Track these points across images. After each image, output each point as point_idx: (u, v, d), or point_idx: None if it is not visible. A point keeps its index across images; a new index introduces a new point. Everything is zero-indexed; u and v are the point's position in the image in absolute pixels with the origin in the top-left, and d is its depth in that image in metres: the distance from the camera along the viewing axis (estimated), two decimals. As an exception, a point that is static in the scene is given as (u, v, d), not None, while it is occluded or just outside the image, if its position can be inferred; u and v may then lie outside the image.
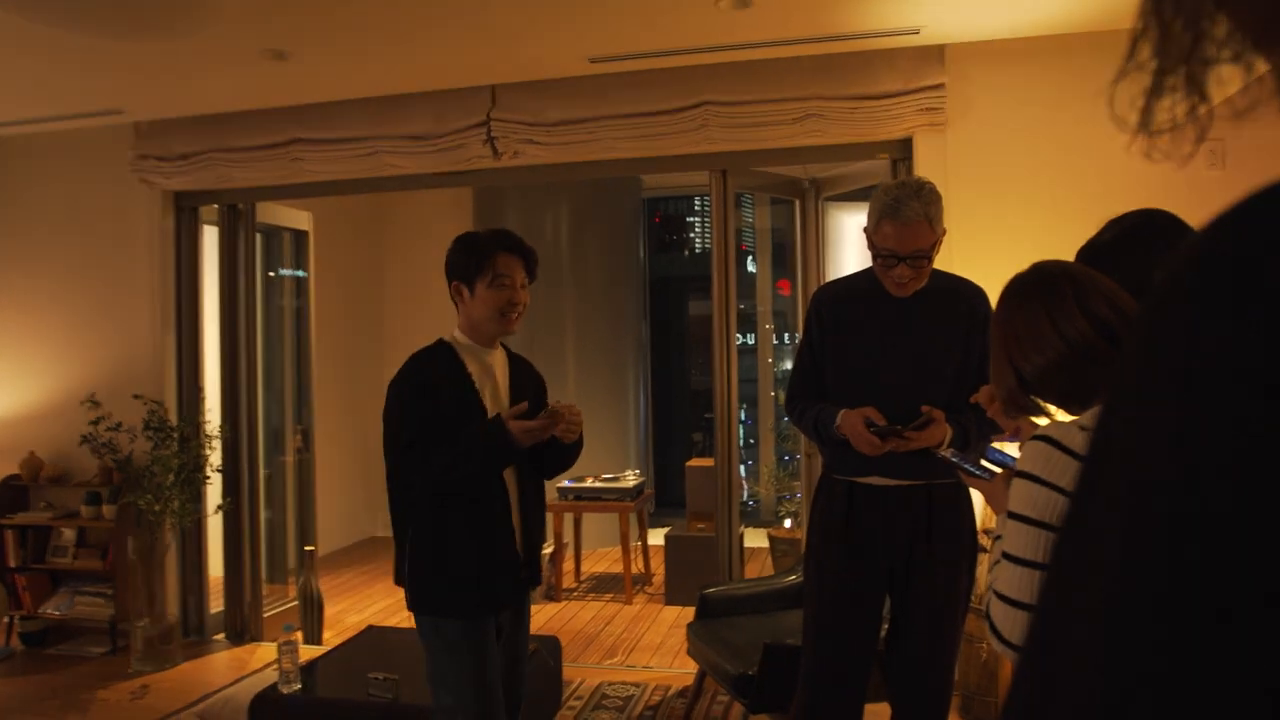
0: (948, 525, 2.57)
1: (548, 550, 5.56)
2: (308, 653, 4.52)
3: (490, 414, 2.39)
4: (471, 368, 2.43)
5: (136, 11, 3.05)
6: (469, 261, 2.43)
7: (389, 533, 7.69)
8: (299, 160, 4.60)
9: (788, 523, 6.02)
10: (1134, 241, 1.69)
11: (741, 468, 7.74)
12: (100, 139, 4.92)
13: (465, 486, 2.36)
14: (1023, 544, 1.40)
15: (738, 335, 7.60)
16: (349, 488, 7.29)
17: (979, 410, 2.52)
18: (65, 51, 3.74)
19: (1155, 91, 0.38)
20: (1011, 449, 1.77)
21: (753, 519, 6.98)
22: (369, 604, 5.73)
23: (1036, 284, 1.52)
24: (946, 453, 1.73)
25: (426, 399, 2.33)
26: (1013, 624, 1.41)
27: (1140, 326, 0.35)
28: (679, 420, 8.53)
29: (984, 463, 1.68)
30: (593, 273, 6.95)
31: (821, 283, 4.74)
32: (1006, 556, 1.43)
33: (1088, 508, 0.36)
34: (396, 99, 4.47)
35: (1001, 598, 1.43)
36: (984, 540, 3.20)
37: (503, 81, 4.32)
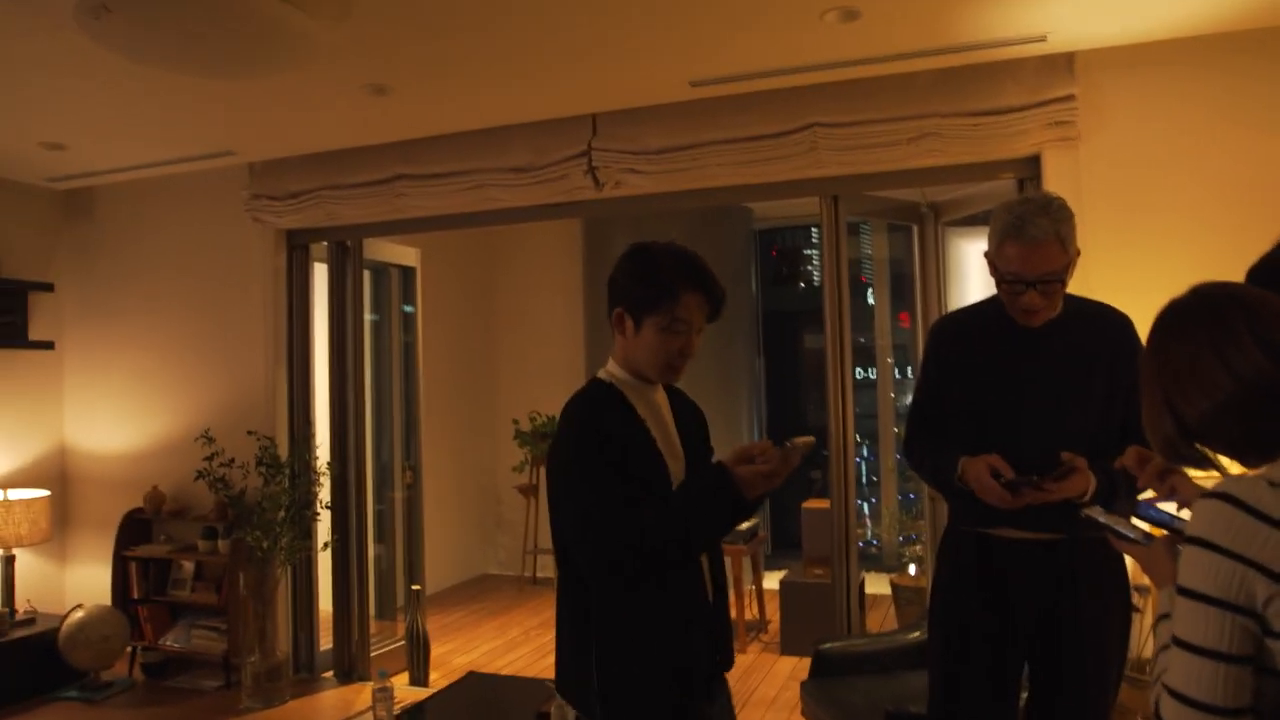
0: (1095, 583, 2.26)
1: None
2: (412, 694, 4.46)
3: (670, 465, 1.91)
4: (641, 410, 1.94)
5: (235, 50, 3.07)
6: (646, 293, 1.90)
7: (500, 570, 7.63)
8: (403, 196, 4.60)
9: (912, 569, 5.66)
10: None
11: (864, 506, 7.44)
12: (218, 181, 5.06)
13: (682, 559, 1.84)
14: (1201, 628, 1.14)
15: (857, 370, 7.36)
16: (459, 524, 7.28)
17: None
18: (176, 94, 3.83)
19: None
20: (1170, 506, 1.50)
21: (874, 563, 6.63)
22: (476, 645, 5.65)
23: (1198, 311, 1.26)
24: (1093, 511, 1.46)
25: (607, 454, 1.82)
26: None
27: None
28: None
29: (1136, 522, 1.42)
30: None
31: (942, 314, 4.46)
32: (1178, 643, 1.17)
33: None
34: (497, 131, 4.42)
35: (1174, 695, 1.16)
36: (1138, 600, 2.85)
37: (603, 110, 4.22)
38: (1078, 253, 2.24)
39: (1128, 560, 2.35)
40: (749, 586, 5.92)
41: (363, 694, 4.69)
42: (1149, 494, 1.56)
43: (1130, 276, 3.44)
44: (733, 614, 5.80)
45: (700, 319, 1.93)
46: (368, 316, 5.24)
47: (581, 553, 1.82)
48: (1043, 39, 3.42)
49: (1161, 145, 3.50)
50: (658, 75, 3.78)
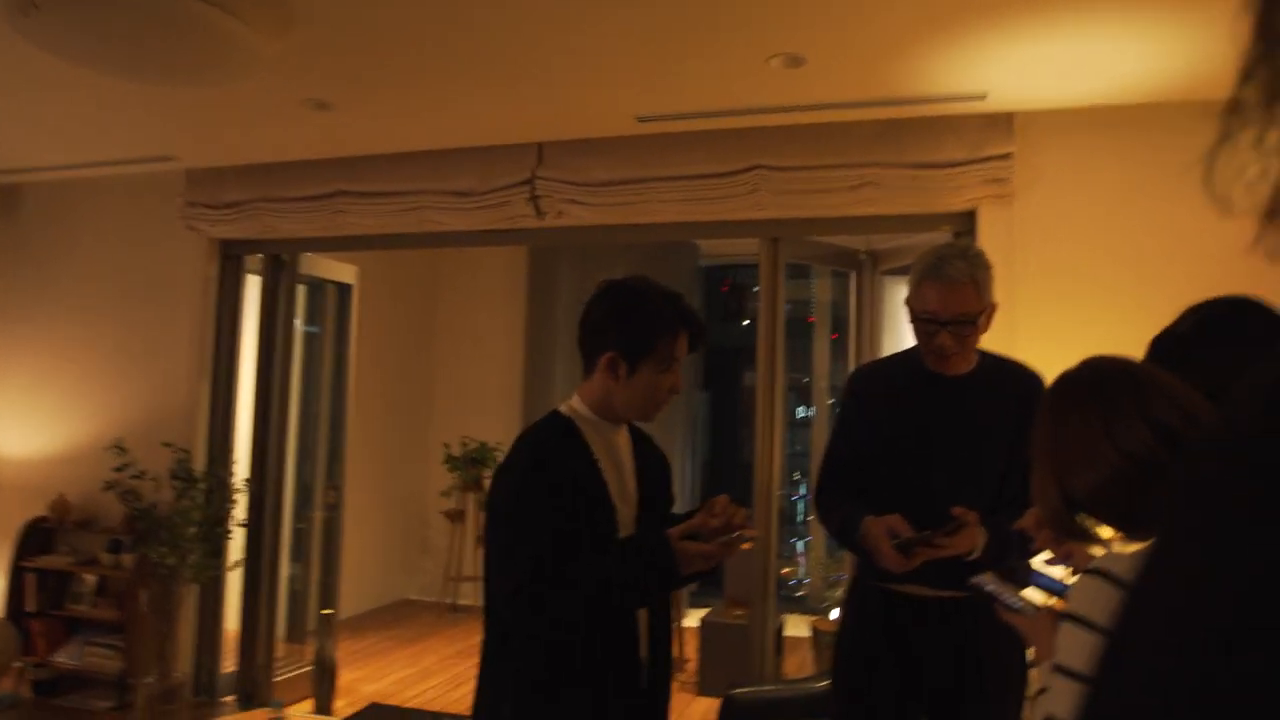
0: (996, 643, 2.25)
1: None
2: (314, 724, 4.31)
3: (619, 509, 1.89)
4: (597, 450, 1.91)
5: (170, 58, 2.98)
6: (642, 337, 1.88)
7: (421, 596, 7.45)
8: (342, 213, 4.53)
9: (834, 613, 5.64)
10: (1217, 335, 1.42)
11: (798, 544, 7.42)
12: (152, 185, 4.93)
13: (603, 614, 1.83)
14: (1073, 707, 1.12)
15: (800, 408, 7.41)
16: (381, 547, 7.13)
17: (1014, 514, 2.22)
18: (113, 95, 3.73)
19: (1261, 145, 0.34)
20: (1062, 571, 1.49)
21: (799, 605, 6.61)
22: (387, 673, 5.49)
23: (1088, 385, 1.26)
24: (982, 580, 1.45)
25: (557, 498, 1.81)
26: None
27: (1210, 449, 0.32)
28: (732, 493, 8.20)
29: (1030, 591, 1.40)
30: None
31: (859, 364, 4.50)
32: None
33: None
34: (442, 154, 4.38)
35: None
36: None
37: (549, 139, 4.20)
38: (994, 305, 2.26)
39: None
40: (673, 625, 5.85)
41: (265, 721, 4.52)
42: (1046, 555, 1.55)
43: (1056, 332, 3.50)
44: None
45: (686, 352, 1.96)
46: (299, 332, 5.13)
47: (503, 585, 1.81)
48: (983, 97, 3.49)
49: (1089, 207, 3.58)
50: (605, 108, 3.78)
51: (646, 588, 1.82)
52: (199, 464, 4.70)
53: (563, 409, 1.97)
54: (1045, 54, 3.09)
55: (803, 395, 7.42)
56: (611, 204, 4.12)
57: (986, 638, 2.24)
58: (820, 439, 6.87)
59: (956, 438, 2.29)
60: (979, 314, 2.21)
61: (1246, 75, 0.36)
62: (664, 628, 2.00)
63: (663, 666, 1.99)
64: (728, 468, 8.27)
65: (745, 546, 1.84)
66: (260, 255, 4.99)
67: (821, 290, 7.24)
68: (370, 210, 4.50)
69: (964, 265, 2.19)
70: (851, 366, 4.79)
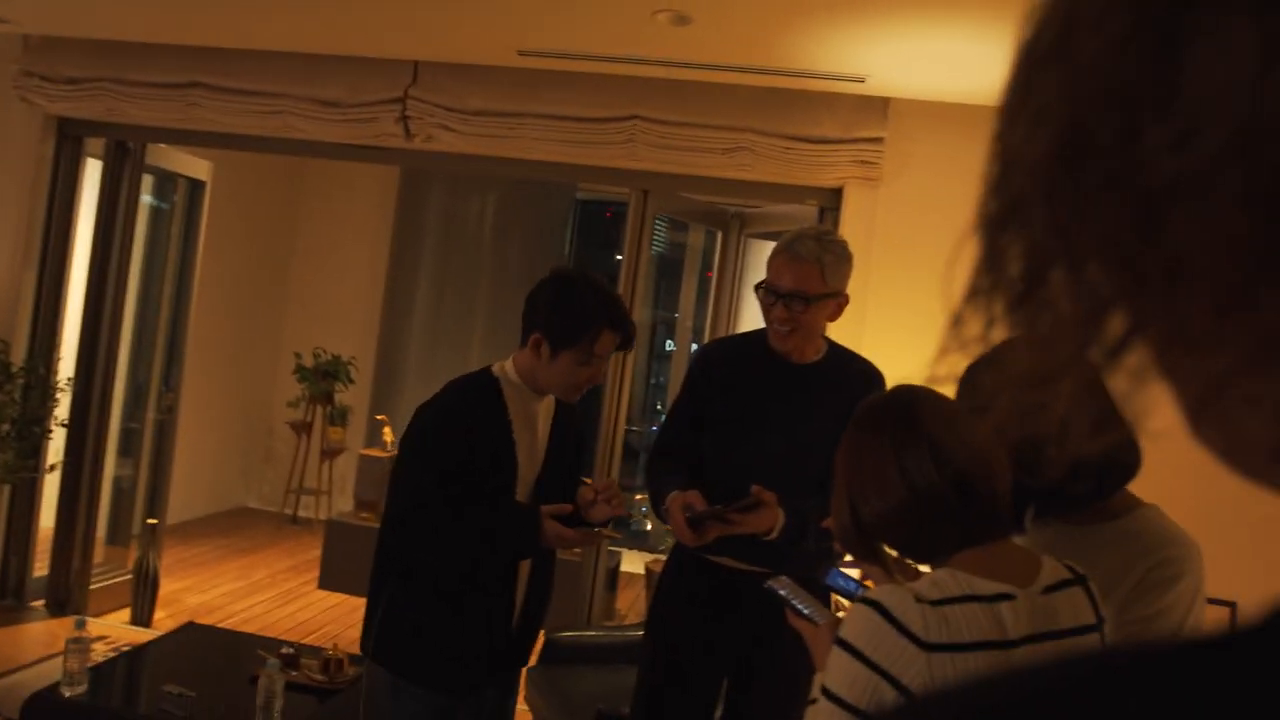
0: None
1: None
2: (128, 634, 4.20)
3: (522, 470, 2.12)
4: (513, 413, 2.12)
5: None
6: (568, 329, 2.05)
7: (261, 505, 7.27)
8: (197, 105, 4.24)
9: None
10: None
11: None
12: (-18, 47, 4.49)
13: (470, 565, 2.11)
14: None
15: (669, 342, 7.52)
16: (223, 453, 6.91)
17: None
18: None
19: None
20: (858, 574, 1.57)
21: (639, 542, 6.77)
22: (214, 584, 5.37)
23: (888, 414, 1.31)
24: (777, 583, 1.50)
25: (460, 441, 2.05)
26: None
27: None
28: (588, 429, 8.30)
29: (822, 599, 1.47)
30: (514, 268, 6.66)
31: (731, 316, 4.58)
32: None
33: None
34: (311, 58, 4.14)
35: None
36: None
37: (426, 59, 4.03)
38: (844, 296, 2.28)
39: (831, 604, 2.49)
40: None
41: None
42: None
43: (904, 318, 3.61)
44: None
45: (611, 350, 2.13)
46: (141, 227, 4.82)
47: (390, 509, 2.11)
48: (862, 80, 3.52)
49: (946, 203, 3.68)
50: (486, 35, 3.64)
51: (507, 548, 2.08)
52: (18, 358, 4.40)
53: (494, 368, 2.17)
54: (925, 49, 3.14)
55: (670, 330, 7.52)
56: (484, 134, 4.00)
57: (787, 628, 2.34)
58: (677, 373, 6.99)
59: (790, 422, 2.35)
60: (820, 295, 2.22)
61: (971, 295, 0.36)
62: (545, 578, 2.24)
63: (535, 610, 2.23)
64: (589, 400, 8.33)
65: (608, 534, 2.11)
66: (103, 140, 4.64)
67: (695, 237, 7.30)
68: (228, 107, 4.24)
69: (814, 245, 2.21)
70: (710, 314, 4.87)
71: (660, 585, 2.51)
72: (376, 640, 2.11)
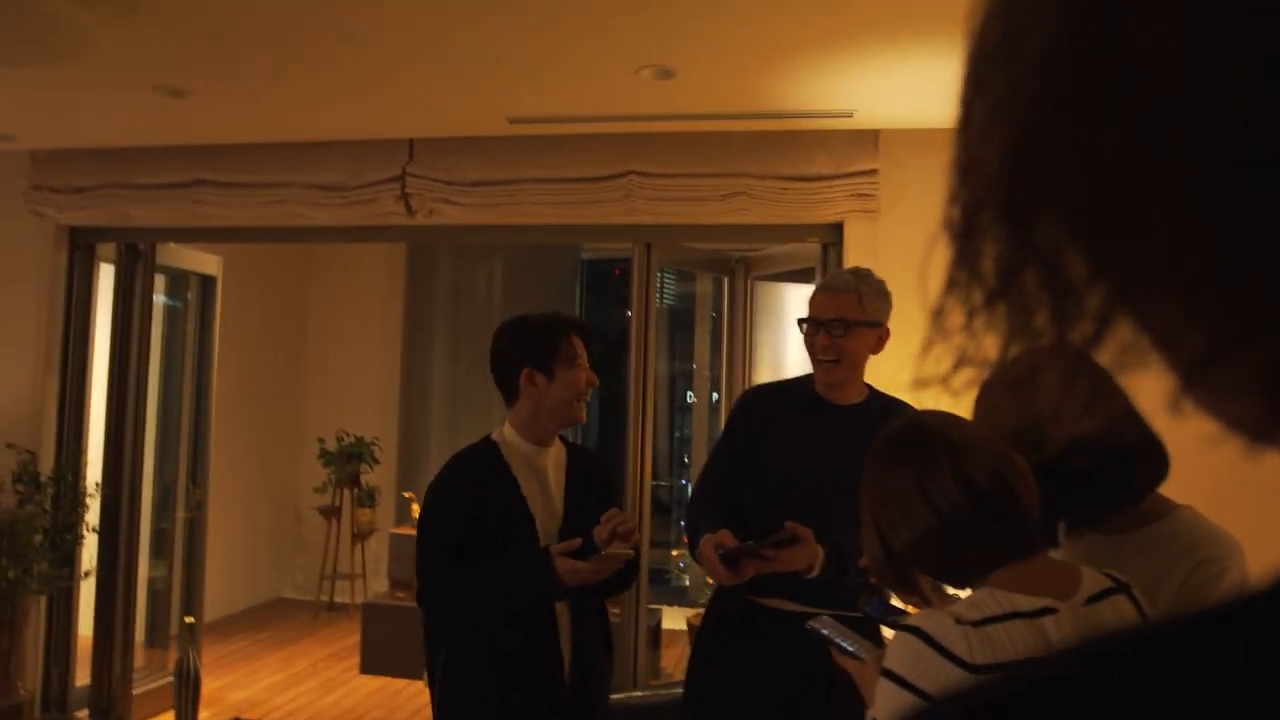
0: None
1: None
2: (172, 737, 4.16)
3: (541, 523, 2.17)
4: (518, 470, 2.21)
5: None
6: (542, 345, 2.20)
7: (296, 595, 7.24)
8: (202, 202, 4.33)
9: (709, 607, 5.73)
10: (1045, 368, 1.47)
11: (682, 533, 7.50)
12: (-8, 168, 4.61)
13: (491, 621, 2.15)
14: None
15: (689, 393, 7.50)
16: (251, 545, 6.90)
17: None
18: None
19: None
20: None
21: (679, 598, 6.69)
22: (257, 679, 5.33)
23: (908, 442, 1.30)
24: (819, 623, 1.47)
25: (465, 511, 2.14)
26: None
27: None
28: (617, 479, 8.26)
29: (871, 631, 1.44)
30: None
31: (746, 360, 4.57)
32: None
33: None
34: (309, 146, 4.22)
35: None
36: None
37: (420, 136, 4.10)
38: (884, 330, 2.30)
39: (885, 635, 2.44)
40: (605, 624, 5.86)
41: (119, 735, 4.33)
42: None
43: (917, 345, 3.60)
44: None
45: (586, 353, 2.24)
46: (158, 325, 4.89)
47: (418, 591, 2.17)
48: (849, 115, 3.55)
49: (950, 226, 3.69)
50: (476, 107, 3.71)
51: (526, 596, 2.09)
52: (46, 467, 4.44)
53: (493, 435, 2.28)
54: (906, 79, 3.16)
55: (689, 381, 7.51)
56: (484, 204, 4.05)
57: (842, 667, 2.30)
58: (700, 425, 6.96)
59: (832, 465, 2.32)
60: (859, 321, 2.25)
61: (949, 287, 0.37)
62: (591, 627, 2.25)
63: (587, 661, 2.22)
64: (613, 457, 8.30)
65: (621, 553, 2.10)
66: (114, 244, 4.74)
67: (703, 285, 7.33)
68: (232, 201, 4.32)
69: (850, 278, 2.30)
70: (725, 363, 4.86)
71: (698, 641, 2.47)
72: (437, 713, 2.19)
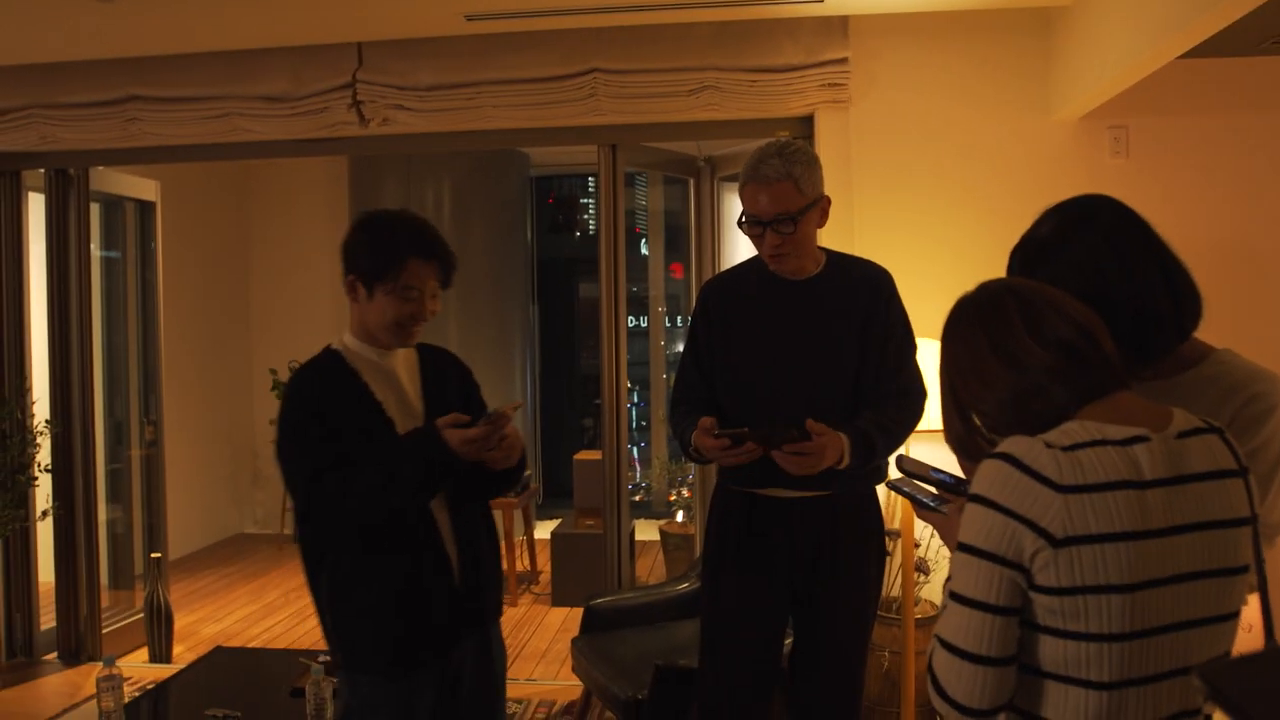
0: (854, 529, 2.34)
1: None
2: (152, 673, 4.08)
3: (401, 425, 2.00)
4: (367, 376, 2.02)
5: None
6: (374, 261, 1.99)
7: (258, 529, 7.15)
8: (136, 120, 4.08)
9: (680, 515, 5.79)
10: (1082, 235, 1.45)
11: (634, 451, 7.52)
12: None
13: (395, 516, 1.95)
14: (972, 581, 1.16)
15: (630, 318, 7.41)
16: (210, 482, 6.75)
17: (880, 409, 2.28)
18: None
19: None
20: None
21: (644, 511, 6.74)
22: (228, 612, 5.25)
23: (975, 308, 1.29)
24: (899, 479, 1.46)
25: (320, 423, 1.94)
26: (958, 678, 1.17)
27: None
28: (569, 405, 8.24)
29: (932, 488, 1.42)
30: (476, 252, 6.53)
31: (716, 268, 4.52)
32: (952, 596, 1.20)
33: None
34: (250, 54, 3.99)
35: (945, 645, 1.19)
36: (889, 544, 3.00)
37: (370, 39, 3.90)
38: (825, 199, 2.25)
39: (881, 504, 2.46)
40: (520, 538, 5.87)
41: (92, 678, 4.23)
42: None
43: (894, 237, 3.59)
44: (504, 565, 5.72)
45: (432, 282, 2.03)
46: (96, 255, 4.65)
47: (297, 509, 1.99)
48: (818, 0, 3.46)
49: (918, 116, 3.65)
50: (429, 5, 3.52)
51: (420, 475, 1.91)
52: (-10, 407, 4.24)
53: (334, 342, 2.09)
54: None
55: (634, 305, 7.42)
56: (441, 109, 3.89)
57: (844, 527, 2.31)
58: (656, 348, 6.92)
59: (808, 339, 2.30)
60: (802, 209, 2.19)
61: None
62: (479, 538, 2.10)
63: (475, 556, 2.08)
64: (567, 379, 8.25)
65: (507, 408, 1.96)
66: (42, 170, 4.46)
67: (653, 199, 7.20)
68: (169, 118, 4.07)
69: (779, 163, 2.17)
70: (688, 274, 4.80)
71: (709, 530, 2.46)
72: (333, 646, 2.03)
